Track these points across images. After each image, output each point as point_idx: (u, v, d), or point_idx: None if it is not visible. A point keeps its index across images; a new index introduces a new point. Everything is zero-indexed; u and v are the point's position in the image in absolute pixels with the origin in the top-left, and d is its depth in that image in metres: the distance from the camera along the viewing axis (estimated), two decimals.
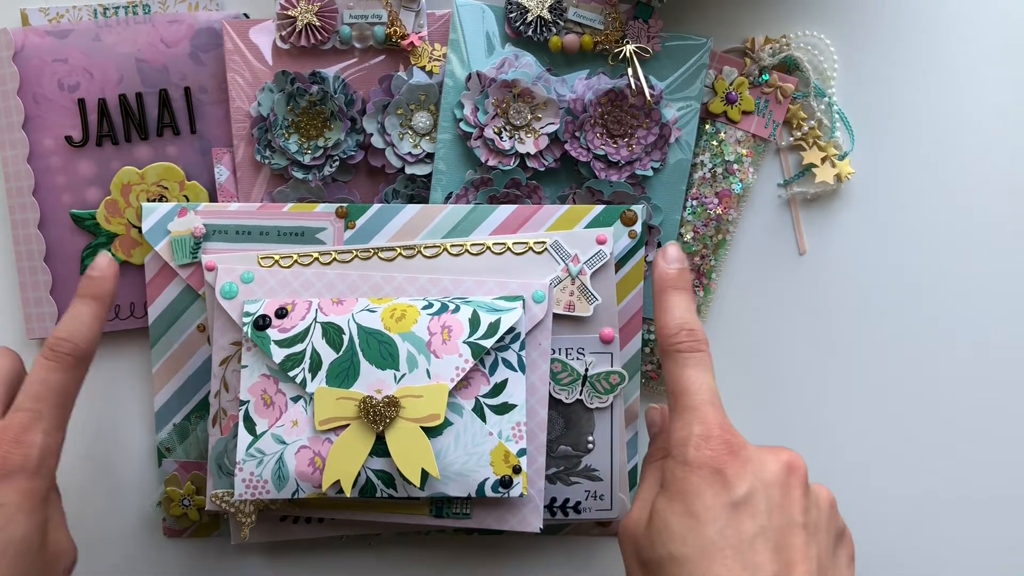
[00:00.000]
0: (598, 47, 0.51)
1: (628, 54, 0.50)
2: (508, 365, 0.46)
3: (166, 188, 0.52)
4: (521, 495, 0.46)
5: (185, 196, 0.52)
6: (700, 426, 0.39)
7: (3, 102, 0.51)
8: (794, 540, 0.37)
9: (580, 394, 0.50)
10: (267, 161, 0.51)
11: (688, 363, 0.41)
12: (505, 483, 0.46)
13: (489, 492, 0.46)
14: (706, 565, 0.36)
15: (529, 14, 0.50)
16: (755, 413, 0.54)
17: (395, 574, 0.54)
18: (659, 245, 0.51)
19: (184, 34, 0.51)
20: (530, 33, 0.51)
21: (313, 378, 0.45)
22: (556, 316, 0.49)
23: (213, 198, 0.52)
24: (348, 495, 0.44)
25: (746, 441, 0.39)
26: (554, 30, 0.51)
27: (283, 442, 0.45)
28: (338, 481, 0.44)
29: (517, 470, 0.46)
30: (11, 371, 0.44)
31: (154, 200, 0.51)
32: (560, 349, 0.49)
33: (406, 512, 0.48)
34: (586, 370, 0.49)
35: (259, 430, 0.45)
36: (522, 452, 0.46)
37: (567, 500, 0.50)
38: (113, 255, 0.52)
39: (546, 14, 0.50)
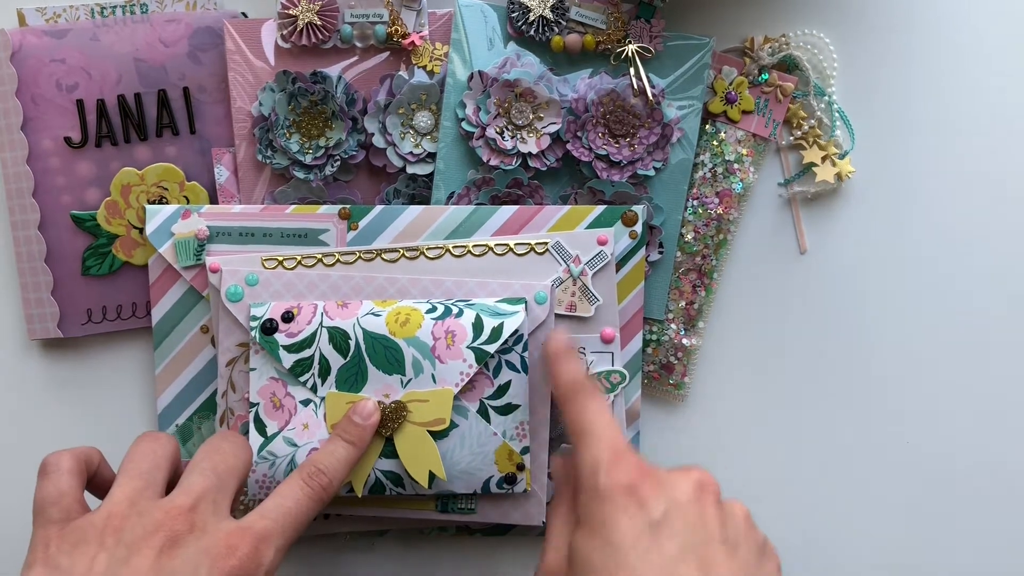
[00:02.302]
0: (600, 47, 0.54)
1: (630, 54, 0.54)
2: (511, 367, 0.50)
3: (166, 189, 0.55)
4: (525, 491, 0.51)
5: (185, 197, 0.55)
6: (609, 452, 0.41)
7: (2, 103, 0.54)
8: (716, 556, 0.39)
9: None
10: (269, 161, 0.54)
11: (590, 401, 0.43)
12: (509, 480, 0.50)
13: (494, 488, 0.50)
14: None
15: (531, 13, 0.54)
16: (755, 413, 0.58)
17: (397, 573, 0.58)
18: (660, 245, 0.55)
19: (182, 33, 0.54)
20: (532, 32, 0.54)
21: (323, 383, 0.49)
22: (558, 316, 0.53)
23: (213, 198, 0.55)
24: (359, 495, 0.49)
25: (655, 466, 0.41)
26: (556, 29, 0.54)
27: (295, 444, 0.49)
28: (349, 482, 0.48)
29: (521, 467, 0.50)
30: (175, 455, 0.44)
31: (154, 201, 0.55)
32: None
33: (412, 507, 0.52)
34: (587, 369, 0.53)
35: (270, 432, 0.49)
36: (525, 450, 0.50)
37: None
38: (114, 256, 0.55)
39: (548, 13, 0.54)
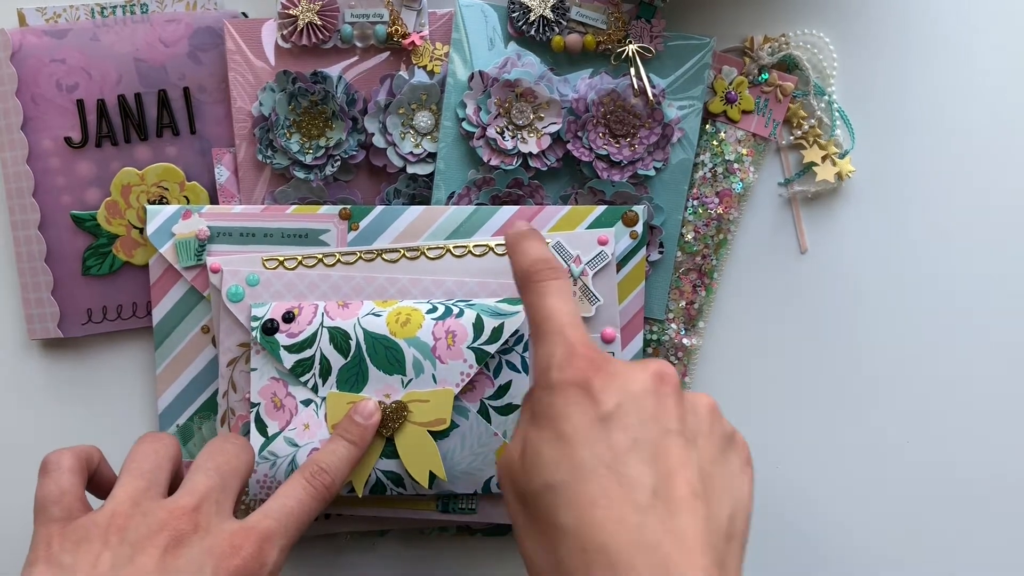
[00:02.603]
0: (601, 47, 0.55)
1: (631, 54, 0.54)
2: (512, 367, 0.51)
3: (166, 189, 0.55)
4: None
5: (186, 197, 0.56)
6: (562, 347, 0.40)
7: (2, 103, 0.54)
8: (670, 449, 0.37)
9: None
10: (269, 161, 0.54)
11: (547, 291, 0.42)
12: None
13: (495, 489, 0.51)
14: (582, 487, 0.36)
15: (532, 13, 0.54)
16: (756, 412, 0.58)
17: (397, 573, 0.58)
18: (661, 245, 0.55)
19: (182, 33, 0.55)
20: (532, 32, 0.54)
21: (324, 383, 0.50)
22: None
23: (214, 198, 0.56)
24: (360, 495, 0.49)
25: (612, 357, 0.40)
26: (556, 29, 0.55)
27: (295, 444, 0.50)
28: (350, 482, 0.49)
29: None
30: (177, 455, 0.45)
31: (154, 201, 0.55)
32: None
33: (413, 507, 0.53)
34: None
35: (271, 432, 0.50)
36: None
37: None
38: (114, 256, 0.56)
39: (549, 13, 0.54)
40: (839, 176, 0.57)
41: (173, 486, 0.43)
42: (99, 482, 0.45)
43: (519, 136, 0.55)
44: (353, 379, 0.50)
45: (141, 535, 0.39)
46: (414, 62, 0.55)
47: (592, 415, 0.38)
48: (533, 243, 0.45)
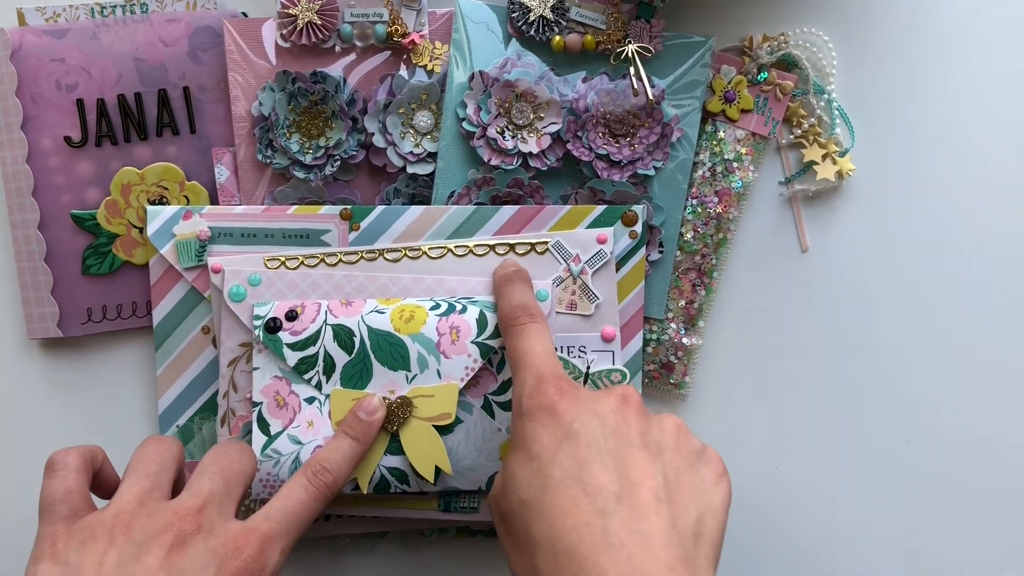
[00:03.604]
0: (600, 47, 0.57)
1: (630, 54, 0.56)
2: None
3: (166, 188, 0.57)
4: None
5: (185, 196, 0.57)
6: (533, 377, 0.45)
7: (1, 102, 0.56)
8: (633, 460, 0.41)
9: None
10: (269, 161, 0.56)
11: (523, 333, 0.48)
12: None
13: None
14: (552, 500, 0.40)
15: (531, 13, 0.56)
16: (757, 412, 0.60)
17: (397, 575, 0.60)
18: (660, 244, 0.57)
19: (182, 33, 0.57)
20: (532, 32, 0.56)
21: (328, 380, 0.52)
22: (558, 314, 0.55)
23: (214, 198, 0.57)
24: (365, 492, 0.51)
25: (580, 386, 0.45)
26: (556, 30, 0.57)
27: (299, 442, 0.51)
28: (355, 479, 0.51)
29: None
30: (180, 458, 0.47)
31: (154, 200, 0.57)
32: (562, 347, 0.56)
33: (415, 507, 0.55)
34: (588, 368, 0.55)
35: (273, 431, 0.52)
36: None
37: None
38: (114, 255, 0.57)
39: (548, 13, 0.56)
40: (839, 175, 0.59)
41: (176, 489, 0.45)
42: (102, 481, 0.47)
43: (519, 136, 0.56)
44: (357, 376, 0.52)
45: (147, 535, 0.41)
46: (414, 62, 0.57)
47: (559, 433, 0.42)
48: (516, 287, 0.51)
